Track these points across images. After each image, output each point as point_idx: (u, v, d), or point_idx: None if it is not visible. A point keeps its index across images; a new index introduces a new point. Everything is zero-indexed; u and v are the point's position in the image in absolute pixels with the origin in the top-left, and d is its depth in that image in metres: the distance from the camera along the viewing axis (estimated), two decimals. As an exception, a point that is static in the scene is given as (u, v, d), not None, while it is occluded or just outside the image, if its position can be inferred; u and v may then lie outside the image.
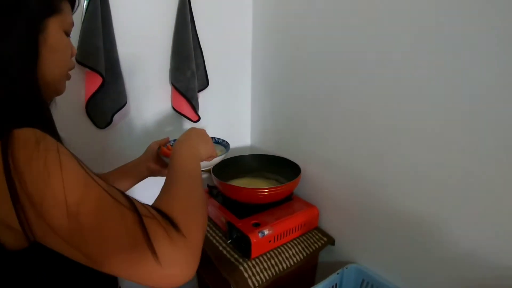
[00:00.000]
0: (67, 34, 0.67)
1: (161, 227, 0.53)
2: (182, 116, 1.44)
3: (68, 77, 0.72)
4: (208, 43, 1.46)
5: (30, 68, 0.58)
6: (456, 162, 0.89)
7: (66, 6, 0.66)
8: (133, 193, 1.07)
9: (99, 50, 1.13)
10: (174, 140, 1.17)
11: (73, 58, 0.74)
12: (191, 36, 1.34)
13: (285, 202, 1.38)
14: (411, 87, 0.96)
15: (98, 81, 1.16)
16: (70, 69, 0.72)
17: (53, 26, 0.61)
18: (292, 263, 1.20)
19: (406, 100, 0.98)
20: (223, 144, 1.20)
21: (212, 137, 1.19)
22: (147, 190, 0.98)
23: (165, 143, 1.12)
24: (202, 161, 0.89)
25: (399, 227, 1.08)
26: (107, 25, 1.17)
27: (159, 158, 1.08)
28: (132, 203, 0.54)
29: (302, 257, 1.23)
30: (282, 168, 1.49)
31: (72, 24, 0.69)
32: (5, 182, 0.45)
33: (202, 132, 0.96)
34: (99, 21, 1.13)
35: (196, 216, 0.63)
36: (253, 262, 1.15)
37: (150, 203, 0.60)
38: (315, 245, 1.29)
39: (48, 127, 0.63)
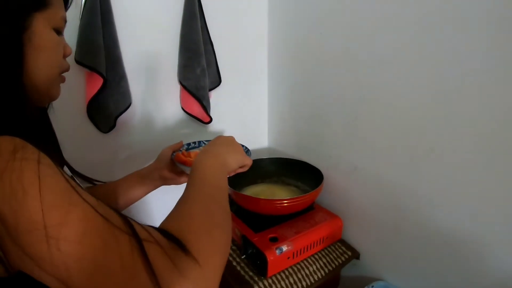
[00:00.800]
0: (58, 31, 0.58)
1: (165, 255, 0.44)
2: (192, 118, 1.34)
3: (62, 80, 0.64)
4: (219, 37, 1.35)
5: (14, 71, 0.50)
6: (504, 174, 0.76)
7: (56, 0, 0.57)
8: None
9: (99, 48, 1.04)
10: (188, 145, 1.08)
11: (69, 59, 0.66)
12: (200, 30, 1.23)
13: (306, 212, 1.27)
14: (451, 85, 0.83)
15: (99, 82, 1.07)
16: (63, 72, 0.64)
17: (39, 23, 0.53)
18: (312, 281, 1.09)
19: (442, 100, 0.86)
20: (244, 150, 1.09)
21: None
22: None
23: (179, 147, 1.03)
24: (232, 172, 0.81)
25: (433, 245, 0.96)
26: (108, 20, 1.07)
27: (174, 165, 0.98)
28: (130, 225, 0.45)
29: (324, 274, 1.12)
30: (302, 173, 1.37)
31: (64, 20, 0.60)
32: None
33: (231, 139, 0.86)
34: (99, 17, 1.03)
35: (214, 236, 0.53)
36: (270, 280, 1.05)
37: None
38: (338, 260, 1.17)
39: (41, 135, 0.57)
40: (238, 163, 0.82)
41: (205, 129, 1.45)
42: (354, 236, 1.25)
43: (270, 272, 1.05)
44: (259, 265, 1.07)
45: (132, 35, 1.17)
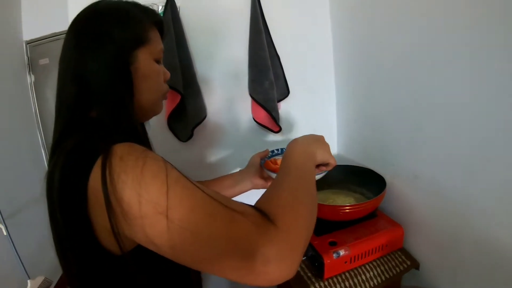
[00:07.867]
0: (158, 61, 0.71)
1: (255, 224, 0.53)
2: (263, 127, 1.43)
3: (165, 98, 0.77)
4: (285, 50, 1.42)
5: (127, 96, 0.64)
6: None
7: (155, 35, 0.69)
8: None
9: (176, 68, 1.19)
10: (272, 152, 1.17)
11: None
12: (265, 45, 1.31)
13: (368, 219, 1.28)
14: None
15: (177, 97, 1.22)
16: (165, 93, 0.76)
17: (142, 57, 0.66)
18: (368, 287, 1.12)
19: (502, 113, 0.82)
20: None
21: None
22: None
23: (266, 155, 1.13)
24: (317, 163, 0.85)
25: (494, 261, 0.91)
26: (182, 43, 1.22)
27: (262, 171, 1.09)
28: (229, 201, 0.56)
29: (380, 281, 1.13)
30: (367, 180, 1.37)
31: (162, 51, 0.72)
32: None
33: (320, 136, 0.91)
34: (174, 41, 1.18)
35: (298, 211, 0.61)
36: (326, 283, 1.11)
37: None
38: (397, 268, 1.17)
39: (143, 144, 0.67)
40: (323, 158, 0.85)
41: (275, 138, 1.54)
42: (415, 245, 1.23)
43: (327, 274, 1.10)
44: (317, 267, 1.13)
45: (204, 53, 1.30)
